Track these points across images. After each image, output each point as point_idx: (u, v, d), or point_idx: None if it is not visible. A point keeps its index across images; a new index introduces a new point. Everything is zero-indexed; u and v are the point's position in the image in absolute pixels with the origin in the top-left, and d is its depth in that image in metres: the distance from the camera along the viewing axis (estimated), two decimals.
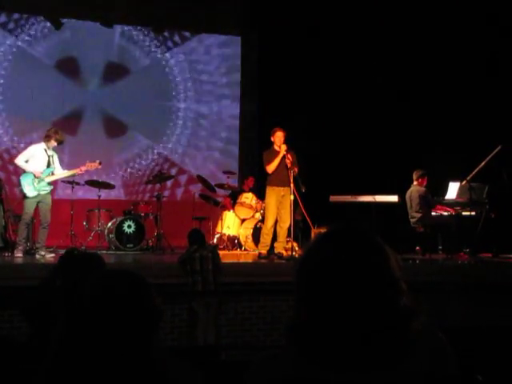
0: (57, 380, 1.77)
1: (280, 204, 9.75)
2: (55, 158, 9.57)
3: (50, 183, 9.39)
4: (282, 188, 9.73)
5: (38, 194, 9.24)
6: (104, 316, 1.78)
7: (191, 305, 7.88)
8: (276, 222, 9.85)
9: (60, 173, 9.60)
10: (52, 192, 9.77)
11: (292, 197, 9.58)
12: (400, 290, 1.56)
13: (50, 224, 9.37)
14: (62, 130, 9.94)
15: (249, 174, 12.64)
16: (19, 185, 9.29)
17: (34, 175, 9.21)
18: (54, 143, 9.43)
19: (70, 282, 3.48)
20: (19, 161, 9.37)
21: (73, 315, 1.82)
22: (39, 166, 9.32)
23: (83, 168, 9.65)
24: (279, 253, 9.83)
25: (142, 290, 1.88)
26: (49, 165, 9.41)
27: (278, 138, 9.75)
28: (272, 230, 9.86)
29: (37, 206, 9.34)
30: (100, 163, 9.81)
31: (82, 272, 3.43)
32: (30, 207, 9.27)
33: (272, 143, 9.88)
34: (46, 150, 9.41)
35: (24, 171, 9.29)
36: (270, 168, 9.67)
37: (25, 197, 9.26)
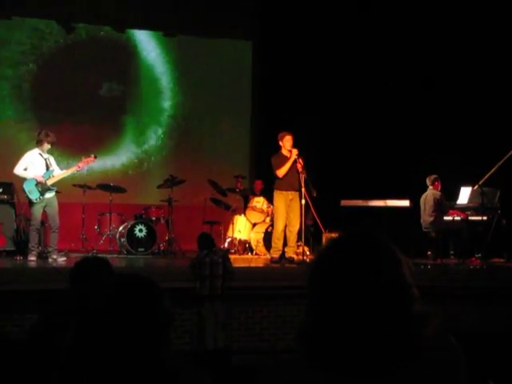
0: (70, 381, 1.78)
1: (288, 208, 9.74)
2: (52, 160, 9.61)
3: (53, 185, 9.42)
4: (291, 192, 9.73)
5: (44, 198, 9.26)
6: (116, 320, 1.79)
7: (199, 309, 7.88)
8: (285, 226, 9.83)
9: (60, 173, 9.61)
10: (63, 196, 9.81)
11: (303, 201, 9.57)
12: (412, 295, 1.55)
13: (59, 227, 9.39)
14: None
15: (256, 178, 12.63)
16: (24, 192, 9.32)
17: (36, 180, 9.24)
18: (47, 146, 9.44)
19: (80, 287, 3.50)
20: (18, 170, 9.39)
21: (85, 319, 1.83)
22: (39, 171, 9.34)
23: (80, 164, 9.66)
24: (290, 257, 9.81)
25: (154, 294, 1.88)
26: (47, 167, 9.45)
27: (288, 141, 9.74)
28: (283, 234, 9.85)
29: (44, 210, 9.37)
30: (95, 157, 9.85)
31: (92, 276, 3.45)
32: (37, 213, 9.30)
33: (280, 147, 9.87)
34: (41, 155, 9.44)
35: (25, 179, 9.32)
36: (281, 172, 9.65)
37: (31, 203, 9.29)
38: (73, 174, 9.85)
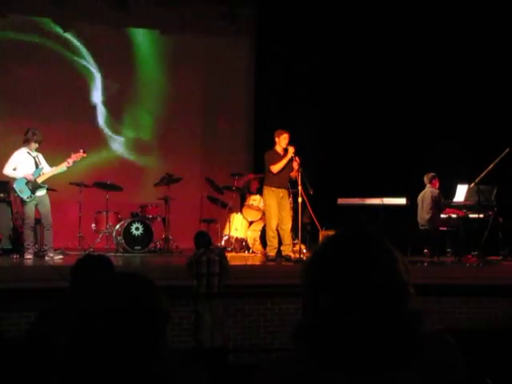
0: (67, 380, 1.78)
1: (280, 206, 9.76)
2: (41, 158, 9.59)
3: (43, 183, 9.41)
4: (281, 190, 9.77)
5: (35, 197, 9.26)
6: (112, 318, 1.78)
7: (196, 307, 7.89)
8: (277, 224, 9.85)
9: (49, 170, 9.58)
10: (60, 194, 9.78)
11: (300, 199, 9.59)
12: (407, 293, 1.55)
13: (54, 225, 9.39)
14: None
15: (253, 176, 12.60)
16: (14, 191, 9.33)
17: (26, 179, 9.24)
18: (34, 145, 9.43)
19: (81, 284, 3.50)
20: (7, 170, 9.39)
21: (82, 317, 1.82)
22: (28, 170, 9.34)
23: (70, 160, 9.60)
24: (287, 255, 9.82)
25: (150, 293, 1.88)
26: (37, 166, 9.44)
27: (285, 139, 9.76)
28: (276, 231, 9.87)
29: (36, 209, 9.36)
30: (84, 151, 9.78)
31: (91, 274, 3.44)
32: (30, 211, 9.31)
33: (274, 144, 9.88)
34: (29, 153, 9.43)
35: (15, 178, 9.31)
36: (276, 168, 9.66)
37: (23, 202, 9.30)
38: (62, 171, 9.79)
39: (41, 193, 9.34)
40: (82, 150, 9.75)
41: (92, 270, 3.50)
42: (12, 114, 12.45)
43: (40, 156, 9.59)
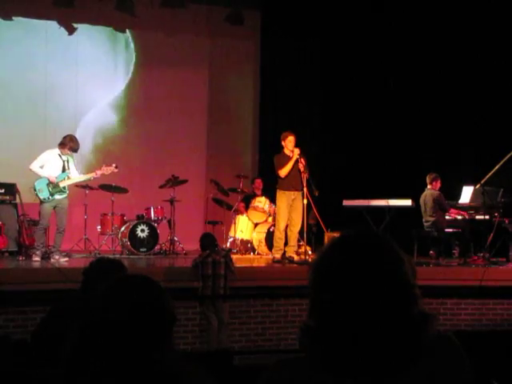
0: (72, 381, 1.79)
1: (291, 208, 9.76)
2: (70, 163, 9.56)
3: (65, 187, 9.41)
4: (293, 192, 9.74)
5: (54, 199, 9.26)
6: (118, 320, 1.79)
7: (202, 309, 7.91)
8: (287, 225, 9.85)
9: (75, 177, 9.59)
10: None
11: (305, 201, 9.59)
12: (414, 295, 1.55)
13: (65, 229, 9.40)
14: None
15: (256, 177, 12.60)
16: (34, 190, 9.31)
17: (49, 180, 9.24)
18: (68, 151, 9.44)
19: (90, 286, 3.51)
20: (34, 166, 9.37)
21: (87, 319, 1.83)
22: (54, 172, 9.33)
23: (99, 172, 9.62)
24: (290, 257, 9.82)
25: (156, 295, 1.89)
26: (64, 170, 9.42)
27: (291, 142, 9.76)
28: (284, 233, 9.87)
29: (53, 210, 9.37)
30: (116, 166, 9.76)
31: (103, 277, 3.45)
32: (46, 212, 9.30)
33: (282, 147, 9.88)
34: (60, 156, 9.43)
35: (39, 176, 9.31)
36: (283, 172, 9.66)
37: (41, 202, 9.29)
38: (88, 179, 9.81)
39: (60, 196, 9.33)
40: (114, 165, 9.72)
41: (104, 272, 3.51)
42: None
43: (70, 161, 9.55)
